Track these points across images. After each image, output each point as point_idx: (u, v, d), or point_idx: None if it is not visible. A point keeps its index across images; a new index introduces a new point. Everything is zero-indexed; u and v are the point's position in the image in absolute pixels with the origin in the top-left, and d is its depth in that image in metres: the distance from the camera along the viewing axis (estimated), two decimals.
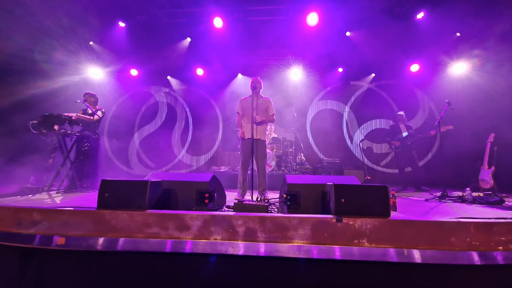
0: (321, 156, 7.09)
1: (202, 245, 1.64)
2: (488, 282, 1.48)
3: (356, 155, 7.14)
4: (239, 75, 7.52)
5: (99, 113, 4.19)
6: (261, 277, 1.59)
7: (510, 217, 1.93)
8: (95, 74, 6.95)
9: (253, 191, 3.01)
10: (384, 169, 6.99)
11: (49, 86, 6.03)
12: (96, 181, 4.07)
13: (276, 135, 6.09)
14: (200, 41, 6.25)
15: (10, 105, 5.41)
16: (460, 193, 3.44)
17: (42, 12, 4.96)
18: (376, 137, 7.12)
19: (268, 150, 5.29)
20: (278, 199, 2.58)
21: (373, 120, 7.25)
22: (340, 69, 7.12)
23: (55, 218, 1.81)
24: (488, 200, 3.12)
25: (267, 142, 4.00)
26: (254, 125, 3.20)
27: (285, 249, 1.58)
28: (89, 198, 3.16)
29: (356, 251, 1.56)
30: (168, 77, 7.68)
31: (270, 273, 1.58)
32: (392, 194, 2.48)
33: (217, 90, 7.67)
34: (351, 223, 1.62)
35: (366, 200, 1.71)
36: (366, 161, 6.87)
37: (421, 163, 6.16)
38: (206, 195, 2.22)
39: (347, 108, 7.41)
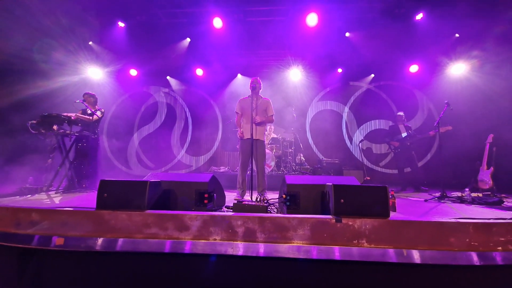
0: (321, 156, 7.09)
1: (201, 246, 1.63)
2: (487, 282, 1.49)
3: (356, 155, 7.15)
4: (239, 76, 7.53)
5: (98, 113, 4.18)
6: (260, 278, 1.59)
7: (509, 217, 1.93)
8: (94, 74, 6.94)
9: (253, 191, 3.00)
10: (384, 170, 7.00)
11: (48, 86, 6.00)
12: (95, 181, 4.05)
13: (275, 136, 6.08)
14: (200, 41, 6.25)
15: (9, 105, 5.38)
16: (459, 194, 3.45)
17: (42, 12, 4.95)
18: (376, 138, 7.13)
19: (267, 151, 5.29)
20: (277, 200, 2.58)
21: (372, 121, 7.27)
22: (340, 70, 7.14)
23: (54, 219, 1.80)
24: (487, 200, 3.12)
25: (266, 142, 4.00)
26: (254, 126, 3.20)
27: (285, 249, 1.58)
28: (88, 198, 3.15)
29: (356, 252, 1.56)
30: (168, 77, 7.68)
31: (269, 274, 1.58)
32: (392, 195, 2.49)
33: (216, 91, 7.68)
34: (350, 223, 1.62)
35: (365, 200, 1.72)
36: (365, 161, 6.88)
37: (420, 164, 6.16)
38: (206, 195, 2.21)
39: (346, 109, 7.42)
